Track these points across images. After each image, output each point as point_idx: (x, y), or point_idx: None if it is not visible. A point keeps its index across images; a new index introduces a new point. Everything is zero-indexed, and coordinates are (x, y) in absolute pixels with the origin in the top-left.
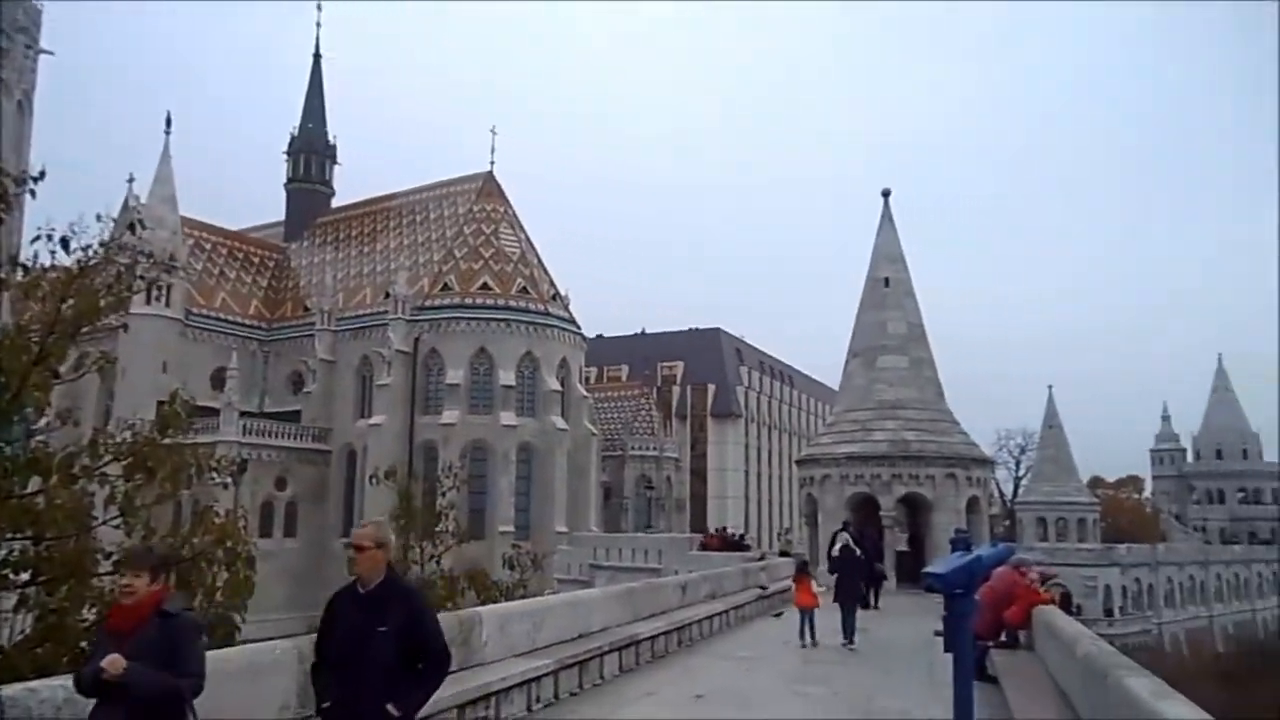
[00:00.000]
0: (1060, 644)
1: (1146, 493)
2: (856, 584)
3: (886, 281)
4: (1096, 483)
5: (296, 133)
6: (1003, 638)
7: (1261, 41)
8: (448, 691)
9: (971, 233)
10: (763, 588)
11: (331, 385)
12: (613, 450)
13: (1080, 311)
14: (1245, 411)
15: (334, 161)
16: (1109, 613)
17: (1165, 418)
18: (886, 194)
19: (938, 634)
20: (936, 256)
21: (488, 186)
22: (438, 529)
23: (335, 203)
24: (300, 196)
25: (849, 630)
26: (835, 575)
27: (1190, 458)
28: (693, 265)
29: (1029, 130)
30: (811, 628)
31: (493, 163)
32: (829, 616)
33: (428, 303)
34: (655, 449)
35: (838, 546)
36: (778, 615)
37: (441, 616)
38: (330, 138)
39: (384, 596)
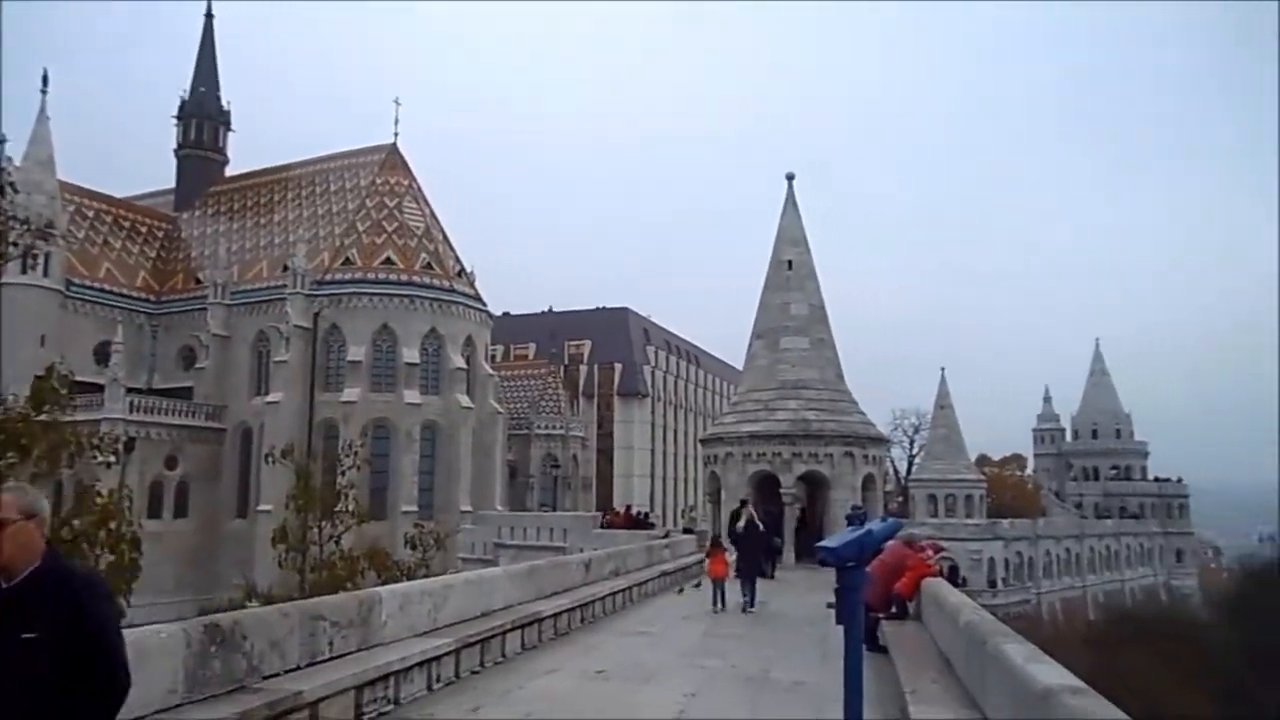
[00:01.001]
0: (945, 614)
1: (1029, 470)
2: (758, 557)
3: (789, 264)
4: (983, 461)
5: (187, 96)
6: (893, 609)
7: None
8: (346, 672)
9: (874, 218)
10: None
11: (226, 361)
12: (519, 429)
13: (972, 298)
14: (1119, 393)
15: (228, 128)
16: (992, 584)
17: (1047, 399)
18: (790, 178)
19: (830, 606)
20: (839, 239)
21: (391, 159)
22: (338, 509)
23: (230, 171)
24: (192, 164)
25: (750, 597)
26: (738, 548)
27: (1069, 437)
28: (602, 245)
29: (931, 119)
30: (722, 595)
31: (396, 135)
32: (737, 585)
33: (328, 277)
34: (562, 428)
35: (742, 522)
36: (680, 591)
37: (340, 596)
38: (224, 103)
39: (34, 592)
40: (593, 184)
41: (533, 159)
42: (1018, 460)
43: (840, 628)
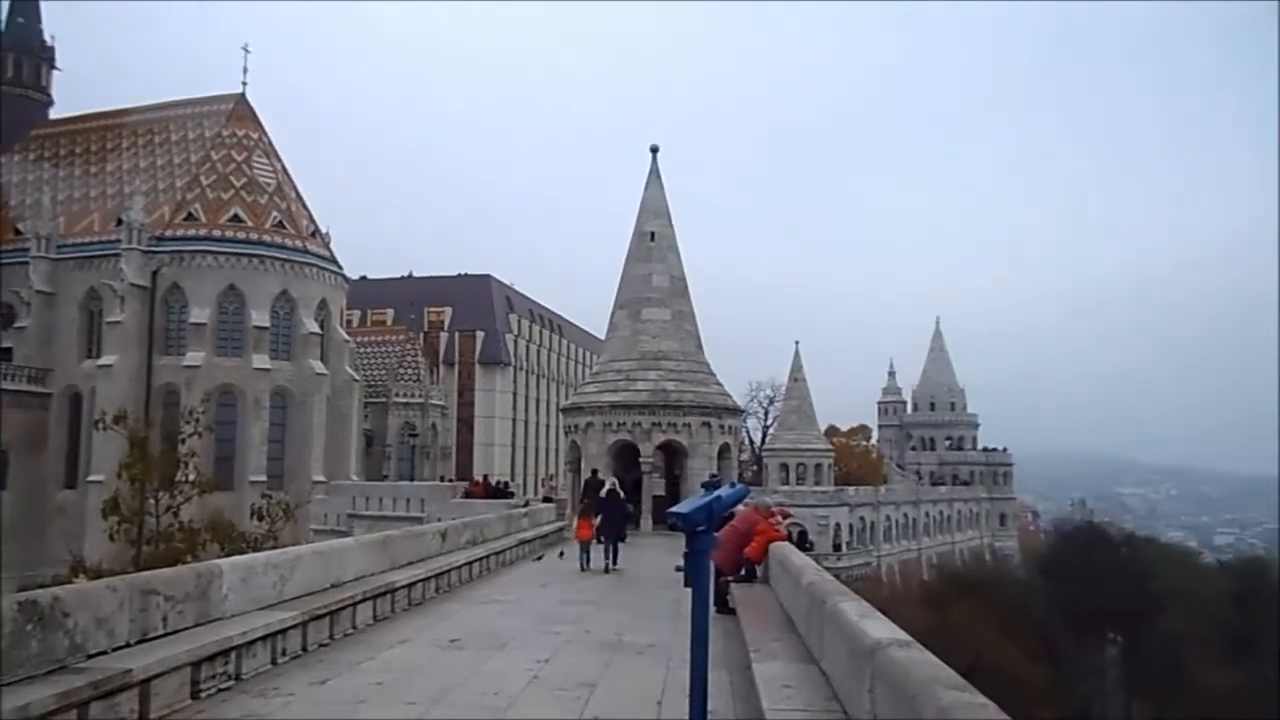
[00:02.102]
0: (790, 576)
1: (874, 440)
2: (620, 521)
3: (652, 236)
4: (832, 431)
5: (4, 26)
6: (743, 572)
7: None
8: (180, 649)
9: (736, 190)
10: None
11: (51, 320)
12: (376, 397)
13: (825, 275)
14: (955, 368)
15: (52, 66)
16: (838, 548)
17: (891, 373)
18: (655, 150)
19: (679, 569)
20: (703, 212)
21: (239, 110)
22: (177, 479)
23: (54, 114)
24: (10, 103)
25: (613, 558)
26: (600, 514)
27: (910, 409)
28: (466, 210)
29: (792, 94)
30: (588, 557)
31: (245, 84)
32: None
33: (169, 233)
34: (421, 396)
35: (605, 489)
36: (539, 559)
37: (175, 569)
38: (47, 37)
39: None
40: (459, 149)
41: (396, 121)
42: (863, 431)
43: (690, 590)
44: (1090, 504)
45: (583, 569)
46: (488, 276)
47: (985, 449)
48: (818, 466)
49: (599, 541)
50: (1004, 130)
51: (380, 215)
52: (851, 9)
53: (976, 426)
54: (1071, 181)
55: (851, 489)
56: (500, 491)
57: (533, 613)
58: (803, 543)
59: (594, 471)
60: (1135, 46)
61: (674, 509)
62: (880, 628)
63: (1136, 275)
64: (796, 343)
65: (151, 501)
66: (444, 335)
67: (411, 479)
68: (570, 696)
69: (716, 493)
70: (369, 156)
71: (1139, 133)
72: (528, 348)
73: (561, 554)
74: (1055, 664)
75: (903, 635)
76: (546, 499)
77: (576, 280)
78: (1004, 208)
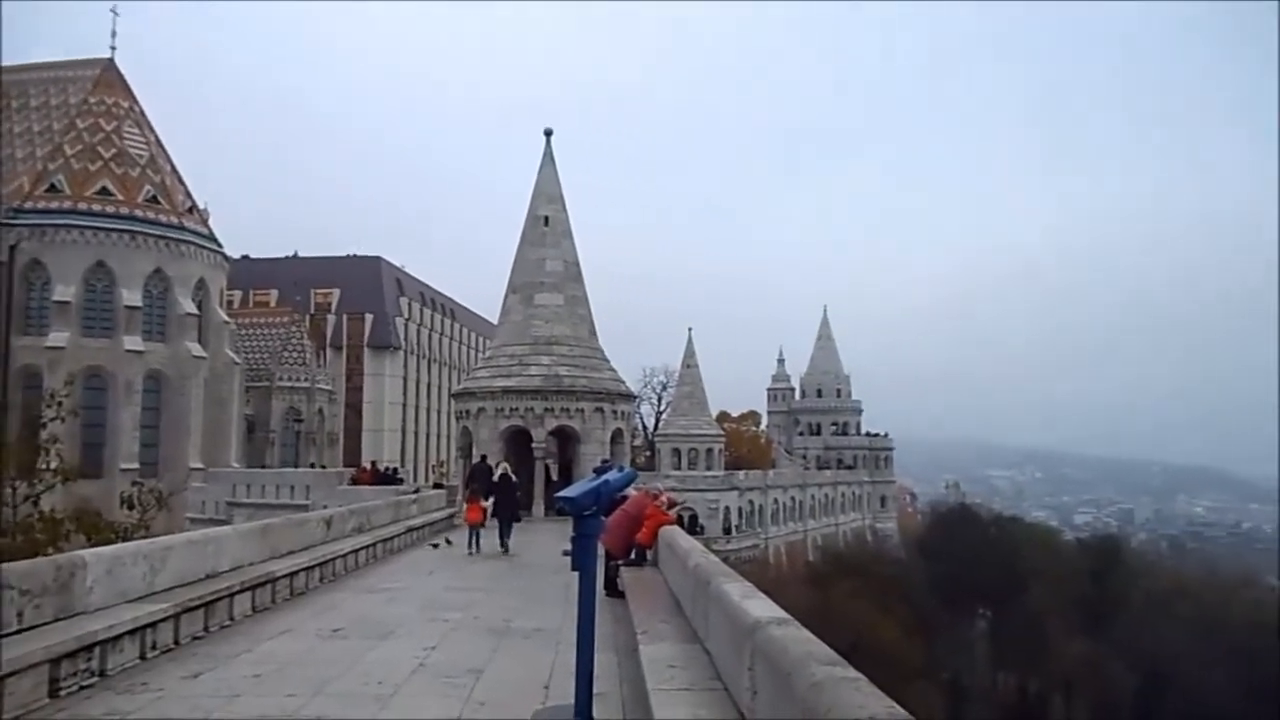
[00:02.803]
0: (677, 559)
1: (763, 425)
2: (513, 505)
3: (546, 220)
4: (723, 417)
5: None
6: (633, 556)
7: None
8: (37, 645)
9: (631, 179)
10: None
11: None
12: (259, 381)
13: (719, 264)
14: (842, 356)
15: None
16: (727, 531)
17: (780, 360)
18: (549, 134)
19: (566, 553)
20: (599, 197)
21: (107, 76)
22: (38, 465)
23: None
24: None
25: (505, 541)
26: (494, 498)
27: (798, 395)
28: (354, 190)
29: (692, 84)
30: (478, 540)
31: (114, 48)
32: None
33: (29, 205)
34: (307, 380)
35: (498, 473)
36: (435, 546)
37: (32, 562)
38: None
39: None
40: (349, 127)
41: (282, 94)
42: (753, 416)
43: (578, 574)
44: (963, 486)
45: (472, 552)
46: (378, 258)
47: (868, 434)
48: (709, 451)
49: (486, 525)
50: (894, 122)
51: (263, 192)
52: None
53: (860, 412)
54: (949, 175)
55: (741, 473)
56: (389, 478)
57: (420, 600)
58: (693, 526)
59: (482, 457)
60: (1004, 44)
61: (561, 493)
62: (761, 607)
63: (1011, 269)
64: (689, 330)
65: (9, 490)
66: (331, 318)
67: (296, 466)
68: (457, 683)
69: (604, 477)
70: (252, 129)
71: (1018, 130)
72: (419, 331)
73: (448, 541)
74: (930, 639)
75: (781, 614)
76: (437, 485)
77: (469, 264)
78: (888, 207)
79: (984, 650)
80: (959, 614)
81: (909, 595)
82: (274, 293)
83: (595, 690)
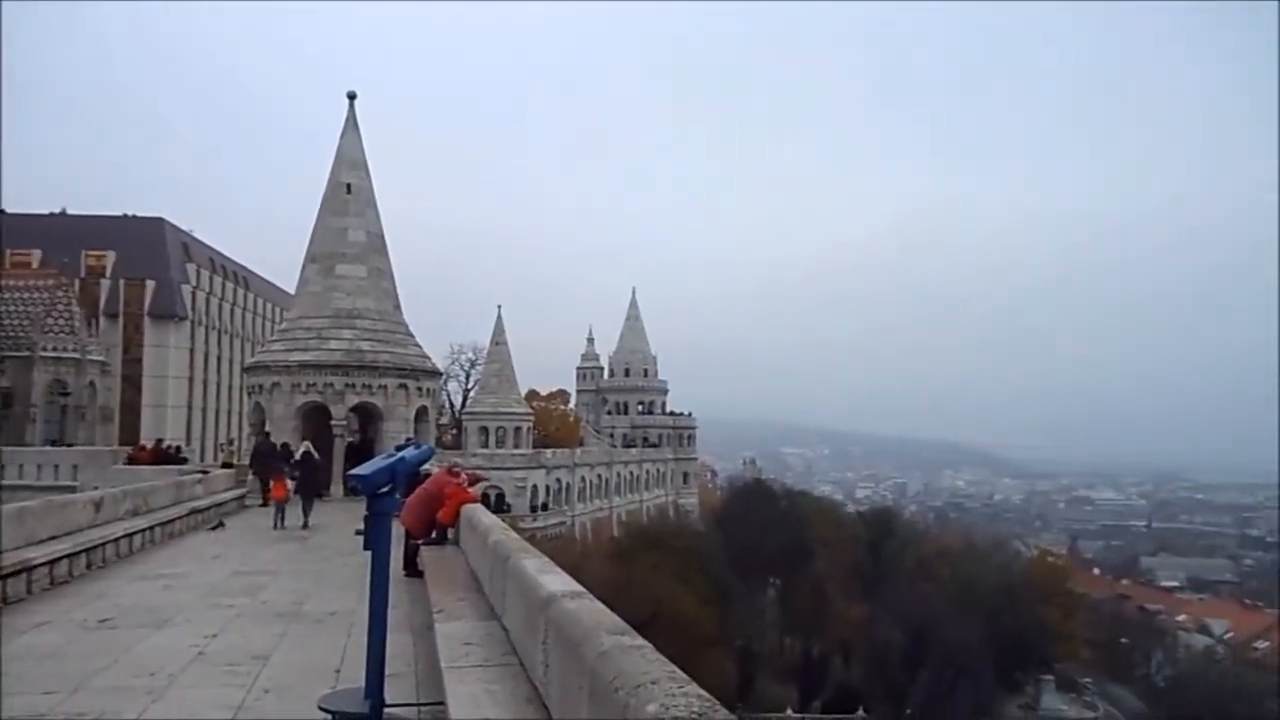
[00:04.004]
0: (478, 536)
1: (572, 404)
2: (315, 482)
3: (348, 188)
4: (532, 395)
5: None
6: (433, 535)
7: None
8: None
9: (433, 143)
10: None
11: None
12: (18, 350)
13: (529, 241)
14: (650, 336)
15: None
16: (534, 509)
17: (590, 340)
18: (352, 97)
19: (358, 533)
20: (406, 166)
21: None
22: None
23: None
24: None
25: (307, 517)
26: (297, 475)
27: (606, 375)
28: (135, 140)
29: (500, 55)
30: (282, 516)
31: None
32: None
33: None
34: (76, 350)
35: (300, 451)
36: (215, 528)
37: None
38: None
39: None
40: (127, 66)
41: (48, 26)
42: (562, 395)
43: (371, 554)
44: (760, 463)
45: (276, 527)
46: (160, 220)
47: (673, 413)
48: (517, 430)
49: (289, 501)
50: (706, 108)
51: (27, 138)
52: None
53: (666, 392)
54: (767, 163)
55: (549, 452)
56: (171, 457)
57: (202, 586)
58: (500, 505)
59: (266, 435)
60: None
61: (354, 470)
62: (557, 582)
63: (815, 258)
64: (499, 307)
65: None
66: (105, 283)
67: (63, 444)
68: (239, 671)
69: (400, 454)
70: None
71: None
72: (208, 300)
73: (218, 526)
74: (725, 607)
75: (576, 587)
76: (226, 465)
77: (265, 231)
78: (699, 190)
79: (774, 617)
80: (752, 584)
81: (707, 567)
82: (37, 253)
83: (388, 672)
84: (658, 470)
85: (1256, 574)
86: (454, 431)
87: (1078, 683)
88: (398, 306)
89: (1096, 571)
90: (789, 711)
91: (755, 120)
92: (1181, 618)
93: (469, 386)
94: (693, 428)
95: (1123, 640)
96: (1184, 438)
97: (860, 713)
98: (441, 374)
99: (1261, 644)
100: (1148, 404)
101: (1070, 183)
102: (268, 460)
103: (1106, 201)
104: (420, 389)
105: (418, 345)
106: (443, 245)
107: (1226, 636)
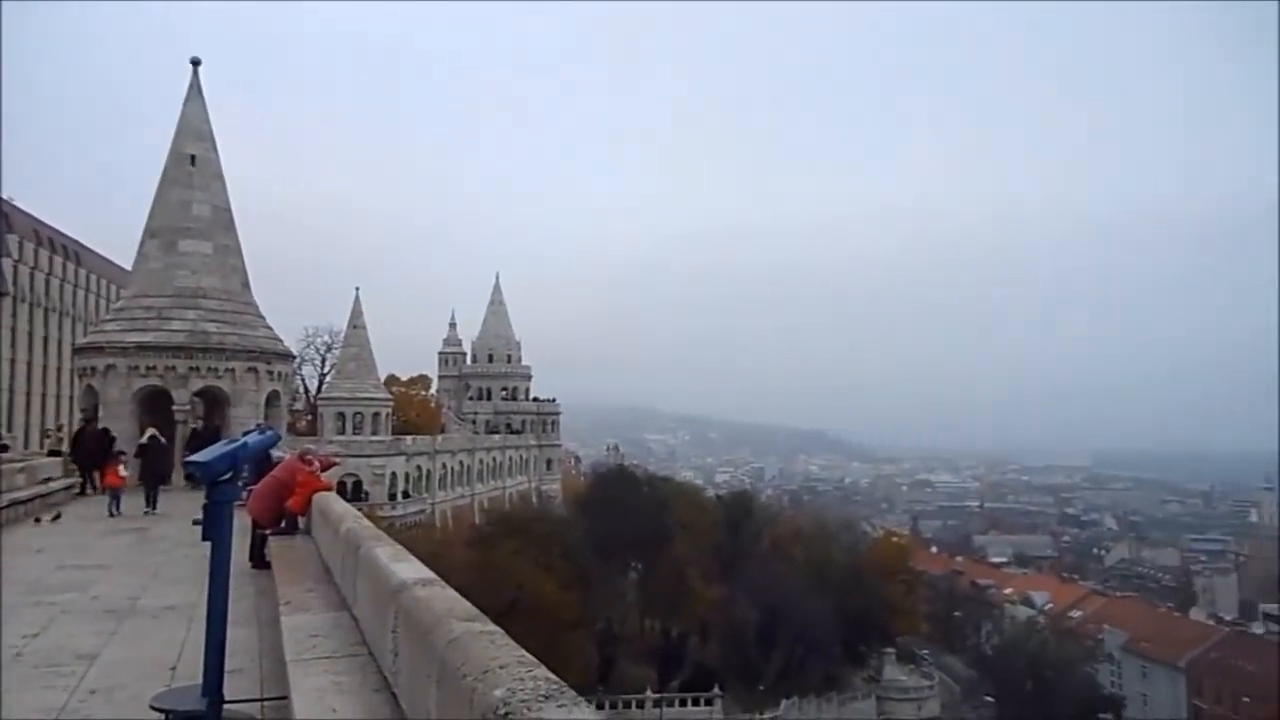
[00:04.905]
0: (329, 525)
1: (434, 390)
2: (160, 468)
3: (193, 159)
4: (392, 380)
5: None
6: (283, 525)
7: None
8: None
9: (291, 116)
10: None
11: None
12: None
13: (391, 221)
14: (513, 322)
15: None
16: (393, 497)
17: (452, 324)
18: (196, 63)
19: (196, 523)
20: (256, 140)
21: None
22: None
23: None
24: None
25: (152, 503)
26: (141, 461)
27: (469, 360)
28: None
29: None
30: (118, 502)
31: None
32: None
33: None
34: None
35: (145, 436)
36: (55, 519)
37: None
38: None
39: None
40: None
41: None
42: (424, 380)
43: (210, 545)
44: (623, 449)
45: (112, 514)
46: None
47: (536, 399)
48: (376, 416)
49: (128, 489)
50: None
51: None
52: None
53: (529, 378)
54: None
55: (409, 438)
56: None
57: (23, 583)
58: (357, 493)
59: (85, 421)
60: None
61: (192, 458)
62: (409, 570)
63: (683, 245)
64: (357, 289)
65: None
66: None
67: None
68: (63, 672)
69: (242, 439)
70: None
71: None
72: (33, 275)
73: (53, 518)
74: (586, 592)
75: (429, 575)
76: (53, 453)
77: (102, 203)
78: (567, 173)
79: (634, 599)
80: (614, 567)
81: (568, 552)
82: None
83: (230, 667)
84: (521, 457)
85: (1073, 549)
86: (309, 417)
87: (916, 654)
88: (246, 285)
89: (935, 550)
90: (648, 692)
91: (617, 102)
92: (1008, 591)
93: (325, 371)
94: (556, 414)
95: (956, 614)
96: (1014, 424)
97: (716, 690)
98: (295, 357)
99: (1076, 613)
100: (983, 394)
101: (916, 179)
102: (91, 448)
103: (945, 202)
104: (272, 373)
105: (268, 327)
106: (300, 224)
107: (1046, 607)
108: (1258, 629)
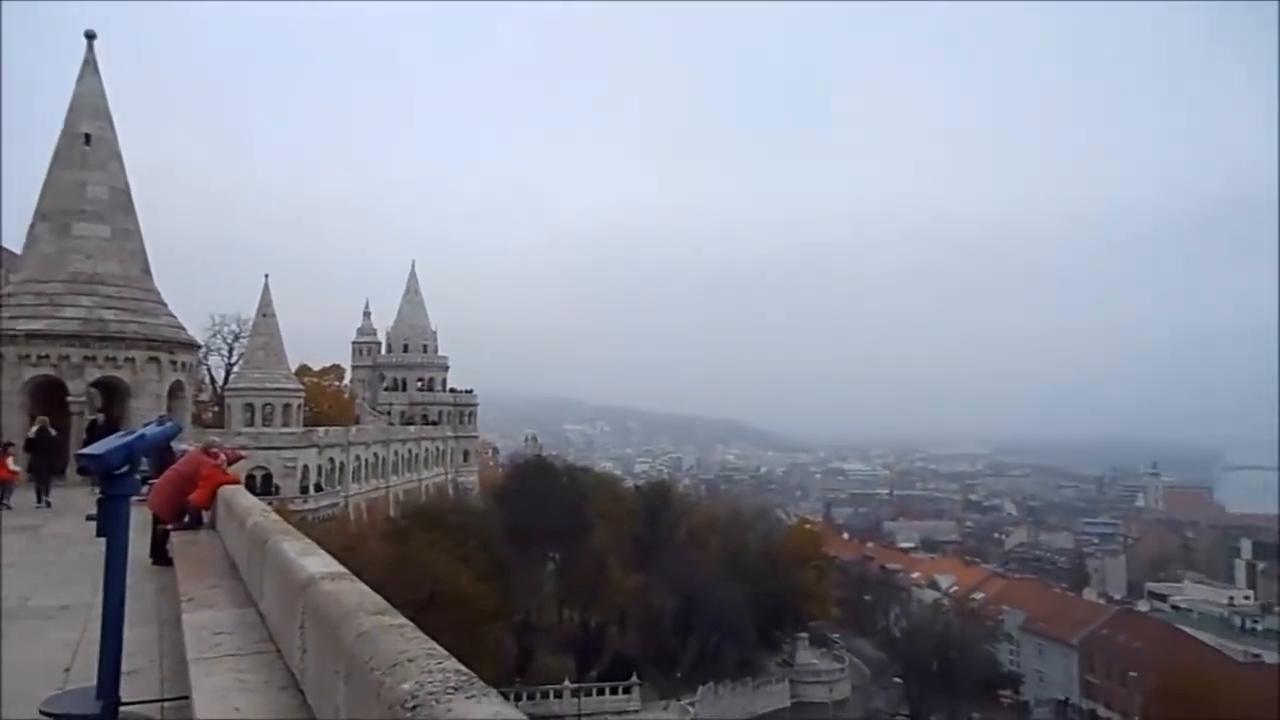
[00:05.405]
0: (236, 520)
1: (347, 380)
2: (51, 461)
3: (88, 138)
4: (304, 370)
5: None
6: (186, 520)
7: None
8: None
9: (200, 97)
10: None
11: None
12: None
13: (305, 211)
14: (430, 311)
15: None
16: (305, 490)
17: (366, 314)
18: (90, 37)
19: (90, 518)
20: (156, 115)
21: None
22: None
23: None
24: None
25: (43, 495)
26: (31, 453)
27: (384, 350)
28: None
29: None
30: (7, 495)
31: None
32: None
33: None
34: None
35: (34, 429)
36: None
37: None
38: None
39: None
40: None
41: None
42: (336, 370)
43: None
44: (541, 439)
45: (8, 507)
46: None
47: (453, 390)
48: (286, 407)
49: (21, 483)
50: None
51: None
52: None
53: (446, 368)
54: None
55: (321, 430)
56: None
57: None
58: (267, 487)
59: None
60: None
61: (84, 450)
62: (317, 564)
63: (600, 238)
64: (266, 276)
65: None
66: None
67: None
68: None
69: (140, 431)
70: None
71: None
72: None
73: None
74: (504, 583)
75: (338, 568)
76: None
77: None
78: (476, 158)
79: (553, 589)
80: (532, 558)
81: (485, 544)
82: None
83: (128, 668)
84: (437, 448)
85: (975, 534)
86: (216, 409)
87: (828, 638)
88: (147, 271)
89: (846, 536)
90: (566, 682)
91: (538, 95)
92: (915, 575)
93: (232, 361)
94: (474, 405)
95: (866, 597)
96: (920, 413)
97: (634, 679)
98: (200, 346)
99: (978, 595)
100: (890, 384)
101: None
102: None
103: (833, 200)
104: (175, 363)
105: (171, 315)
106: (207, 209)
107: (951, 590)
108: (1143, 607)
